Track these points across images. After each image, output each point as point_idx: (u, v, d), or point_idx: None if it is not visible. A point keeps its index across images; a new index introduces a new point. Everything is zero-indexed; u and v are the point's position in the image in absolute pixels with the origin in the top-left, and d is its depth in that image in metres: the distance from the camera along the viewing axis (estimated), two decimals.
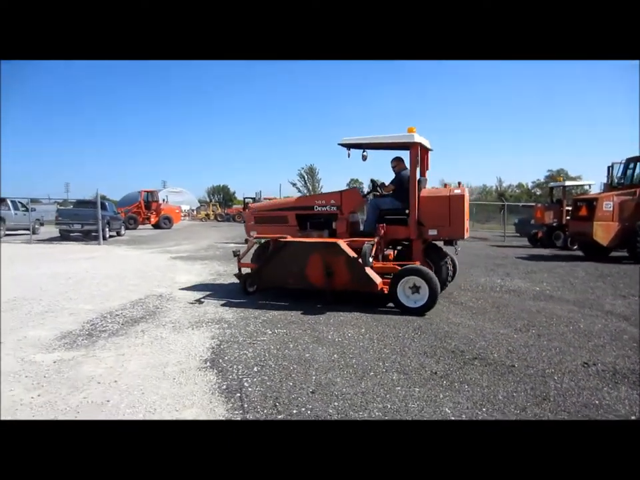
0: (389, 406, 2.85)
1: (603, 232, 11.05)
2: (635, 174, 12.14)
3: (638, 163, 12.12)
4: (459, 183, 6.66)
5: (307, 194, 44.34)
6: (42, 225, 21.57)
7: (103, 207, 17.19)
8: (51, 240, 17.26)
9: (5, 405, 2.91)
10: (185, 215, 40.75)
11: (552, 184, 17.78)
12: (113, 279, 8.02)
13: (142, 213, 26.96)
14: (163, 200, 30.66)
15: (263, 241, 6.58)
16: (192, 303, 5.96)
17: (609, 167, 12.83)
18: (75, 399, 3.02)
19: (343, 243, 5.69)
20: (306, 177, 59.05)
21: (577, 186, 18.96)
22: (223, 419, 2.68)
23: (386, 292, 5.57)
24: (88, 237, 17.28)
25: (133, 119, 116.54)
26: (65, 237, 17.63)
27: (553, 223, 15.48)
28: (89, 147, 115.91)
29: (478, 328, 4.74)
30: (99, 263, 10.61)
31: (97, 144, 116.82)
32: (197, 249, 14.12)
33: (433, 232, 6.22)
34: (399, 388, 3.14)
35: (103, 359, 3.78)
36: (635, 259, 10.75)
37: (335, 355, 3.81)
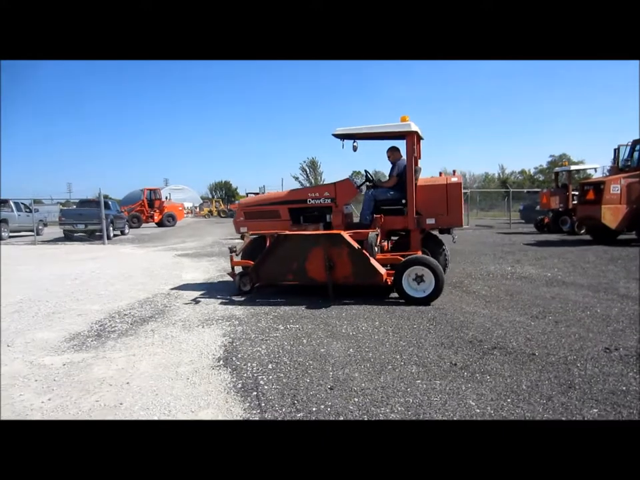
0: (411, 400, 2.77)
1: (612, 215, 10.91)
2: None
3: None
4: (454, 171, 6.56)
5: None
6: (45, 225, 21.57)
7: (107, 206, 17.15)
8: (55, 241, 17.24)
9: (16, 410, 2.84)
10: (188, 212, 40.70)
11: (557, 169, 17.60)
12: (119, 279, 7.95)
13: (145, 212, 26.94)
14: (166, 198, 30.62)
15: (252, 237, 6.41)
16: (201, 301, 5.88)
17: (615, 150, 12.67)
18: (86, 402, 2.94)
19: (346, 234, 5.55)
20: (308, 170, 58.82)
21: (582, 170, 18.73)
22: (223, 419, 2.59)
23: (389, 283, 5.47)
24: (92, 236, 17.25)
25: (132, 117, 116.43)
26: (69, 237, 17.60)
27: (560, 208, 15.34)
28: (90, 146, 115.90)
29: (493, 316, 4.64)
30: (104, 262, 10.55)
31: (97, 143, 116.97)
32: (202, 245, 14.05)
33: (431, 221, 6.16)
34: (419, 381, 3.05)
35: (113, 360, 3.71)
36: None
37: (351, 350, 3.72)
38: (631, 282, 6.34)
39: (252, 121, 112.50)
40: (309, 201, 6.49)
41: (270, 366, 3.43)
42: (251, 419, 2.60)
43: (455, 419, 2.54)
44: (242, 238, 6.59)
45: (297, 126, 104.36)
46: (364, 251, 5.45)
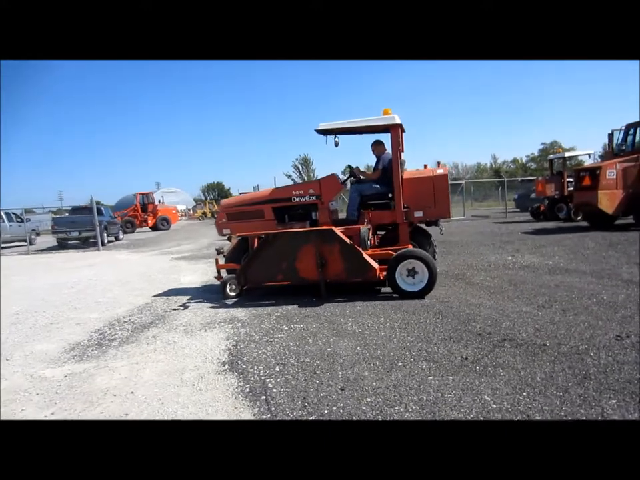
0: (425, 398, 2.70)
1: (608, 200, 10.90)
2: (636, 140, 11.96)
3: (638, 129, 11.93)
4: (439, 163, 6.50)
5: None
6: (38, 234, 21.37)
7: (99, 212, 16.99)
8: (49, 249, 17.07)
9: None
10: (182, 215, 40.45)
11: (551, 156, 17.57)
12: (116, 285, 7.85)
13: (139, 216, 26.75)
14: (159, 201, 30.42)
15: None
16: (201, 304, 5.79)
17: (609, 134, 12.64)
18: (91, 414, 2.85)
19: (337, 230, 5.45)
20: (300, 167, 58.52)
21: (575, 156, 18.74)
22: (224, 419, 2.51)
23: (382, 278, 5.40)
24: (86, 243, 17.10)
25: (121, 120, 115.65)
26: (62, 245, 17.43)
27: (555, 195, 15.34)
28: (79, 153, 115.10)
29: (499, 308, 4.58)
30: (100, 269, 10.43)
31: (86, 148, 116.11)
32: (199, 248, 13.93)
33: (418, 214, 6.10)
34: (431, 377, 2.98)
35: (116, 369, 3.62)
36: None
37: (358, 348, 3.64)
38: (633, 267, 6.30)
39: (242, 121, 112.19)
40: (294, 199, 6.31)
41: (277, 368, 3.35)
42: (251, 419, 2.51)
43: (470, 417, 2.47)
44: (229, 240, 6.45)
45: (288, 124, 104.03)
46: (357, 247, 5.37)
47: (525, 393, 2.68)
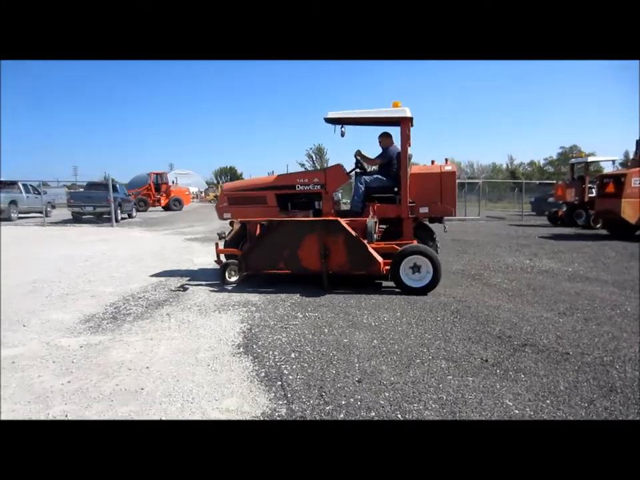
0: (445, 397, 2.64)
1: (632, 209, 10.65)
2: None
3: None
4: (446, 160, 6.37)
5: None
6: (54, 207, 21.54)
7: (114, 189, 17.04)
8: (63, 222, 17.19)
9: (35, 392, 2.76)
10: (193, 197, 40.55)
11: (573, 160, 17.24)
12: (130, 261, 7.87)
13: (152, 195, 26.79)
14: (172, 182, 30.42)
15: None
16: (214, 286, 5.77)
17: (637, 141, 12.36)
18: (106, 385, 2.85)
19: (343, 221, 5.37)
20: (314, 157, 58.30)
21: (598, 162, 18.36)
22: (224, 419, 2.44)
23: (385, 272, 5.33)
24: (100, 219, 17.18)
25: (137, 101, 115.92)
26: (77, 219, 17.54)
27: (575, 200, 15.05)
28: (95, 131, 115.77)
29: (519, 311, 4.50)
30: (114, 245, 10.48)
31: (103, 127, 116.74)
32: (211, 230, 13.92)
33: (424, 210, 5.99)
34: (450, 377, 2.93)
35: (131, 343, 3.61)
36: None
37: (375, 341, 3.60)
38: None
39: (258, 108, 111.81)
40: (298, 187, 6.19)
41: (293, 355, 3.31)
42: (251, 419, 2.44)
43: (493, 418, 2.42)
44: (231, 225, 6.37)
45: (303, 113, 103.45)
46: (362, 239, 5.30)
47: (548, 401, 2.61)
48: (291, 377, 2.94)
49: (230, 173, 71.58)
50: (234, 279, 5.82)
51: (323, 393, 2.70)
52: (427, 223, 6.53)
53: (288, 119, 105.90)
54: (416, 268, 5.22)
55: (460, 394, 2.69)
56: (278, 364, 3.15)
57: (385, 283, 5.79)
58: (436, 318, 4.25)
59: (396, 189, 6.06)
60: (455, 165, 6.13)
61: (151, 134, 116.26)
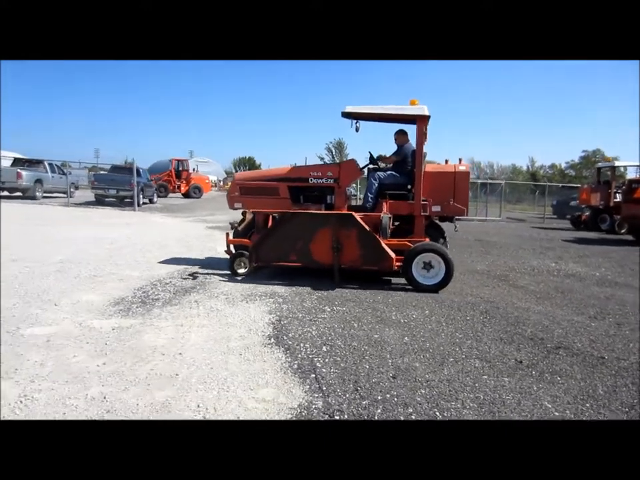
0: (482, 397, 2.62)
1: None
2: None
3: None
4: (460, 160, 6.27)
5: None
6: (77, 188, 21.81)
7: (138, 174, 17.18)
8: (87, 204, 17.43)
9: (72, 372, 2.80)
10: (213, 186, 40.73)
11: (600, 164, 16.92)
12: (155, 246, 7.95)
13: (172, 182, 26.94)
14: (193, 169, 30.57)
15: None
16: (239, 275, 5.79)
17: None
18: (142, 369, 2.88)
19: (358, 216, 5.33)
20: (334, 151, 58.15)
21: (625, 166, 17.98)
22: (225, 419, 2.39)
23: (397, 269, 5.29)
24: (122, 202, 17.36)
25: (158, 88, 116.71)
26: (100, 201, 17.76)
27: (600, 205, 14.77)
28: (116, 113, 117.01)
29: (549, 314, 4.44)
30: (137, 229, 10.59)
31: (125, 110, 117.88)
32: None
33: (436, 208, 5.92)
34: (485, 377, 2.90)
35: (162, 328, 3.65)
36: None
37: (406, 338, 3.57)
38: None
39: (278, 99, 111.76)
40: (311, 180, 6.10)
41: (324, 348, 3.31)
42: (251, 419, 2.41)
43: (530, 417, 2.39)
44: (243, 215, 6.29)
45: (325, 104, 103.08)
46: (375, 235, 5.27)
47: (587, 404, 2.57)
48: (324, 370, 2.93)
49: (249, 163, 71.68)
50: (243, 270, 5.77)
51: (358, 388, 2.69)
52: (437, 221, 6.48)
53: (309, 112, 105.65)
54: (428, 265, 5.21)
55: (497, 394, 2.66)
56: (310, 356, 3.15)
57: (394, 280, 5.79)
58: (465, 317, 4.21)
59: (409, 187, 6.01)
60: (469, 165, 6.07)
61: (171, 120, 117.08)
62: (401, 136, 6.29)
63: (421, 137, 5.81)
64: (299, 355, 3.18)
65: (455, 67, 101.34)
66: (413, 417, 2.40)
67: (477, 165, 64.10)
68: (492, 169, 61.97)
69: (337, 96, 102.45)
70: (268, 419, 2.37)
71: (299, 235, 5.38)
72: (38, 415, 2.32)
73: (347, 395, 2.60)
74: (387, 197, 6.00)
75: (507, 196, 32.50)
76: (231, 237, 6.08)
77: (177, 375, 2.82)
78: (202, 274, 5.77)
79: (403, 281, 5.45)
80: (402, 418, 2.39)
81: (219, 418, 2.35)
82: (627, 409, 2.53)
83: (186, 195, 27.04)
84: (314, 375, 2.86)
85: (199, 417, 2.35)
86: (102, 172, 20.89)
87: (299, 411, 2.43)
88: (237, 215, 6.88)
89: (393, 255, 5.25)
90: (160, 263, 6.46)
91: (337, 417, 2.37)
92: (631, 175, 16.06)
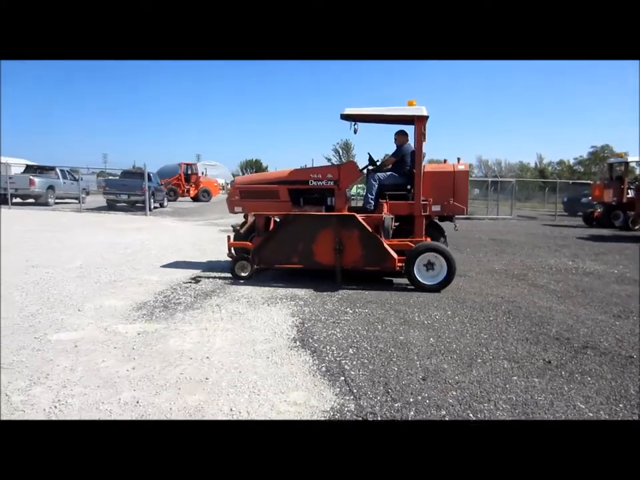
0: (514, 398, 2.60)
1: None
2: None
3: None
4: (458, 159, 6.23)
5: None
6: (88, 194, 21.96)
7: (149, 179, 17.27)
8: (98, 209, 17.56)
9: (103, 377, 2.83)
10: (221, 189, 40.85)
11: (612, 160, 16.75)
12: (169, 251, 7.99)
13: (182, 185, 27.06)
14: (202, 173, 30.68)
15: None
16: (257, 278, 5.80)
17: None
18: (171, 374, 2.90)
19: (359, 217, 5.33)
20: (341, 152, 58.14)
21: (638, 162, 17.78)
22: (226, 419, 2.40)
23: (399, 269, 5.29)
24: (134, 207, 17.47)
25: (163, 92, 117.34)
26: (111, 206, 17.88)
27: (613, 201, 14.64)
28: (124, 118, 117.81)
29: (572, 313, 4.40)
30: (150, 234, 10.65)
31: (131, 115, 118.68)
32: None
33: (436, 208, 5.92)
34: (515, 378, 2.88)
35: (186, 332, 3.67)
36: None
37: (432, 339, 3.57)
38: None
39: (283, 100, 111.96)
40: (311, 182, 6.07)
41: (351, 351, 3.31)
42: (251, 419, 2.42)
43: (564, 418, 2.38)
44: (245, 218, 6.27)
45: (334, 108, 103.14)
46: (377, 235, 5.27)
47: (621, 405, 2.55)
48: (353, 373, 2.93)
49: (255, 166, 71.87)
50: (245, 273, 5.74)
51: (389, 390, 2.69)
52: (437, 221, 6.46)
53: (316, 113, 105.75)
54: (430, 265, 5.22)
55: (529, 395, 2.64)
56: (337, 359, 3.15)
57: (395, 280, 5.80)
58: (488, 317, 4.19)
59: (409, 187, 6.00)
60: (468, 164, 6.05)
61: (177, 123, 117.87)
62: (400, 136, 6.30)
63: (420, 137, 5.80)
64: (326, 358, 3.18)
65: (458, 67, 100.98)
66: (447, 419, 2.40)
67: (484, 163, 63.88)
68: (500, 167, 61.69)
69: (344, 97, 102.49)
70: (269, 419, 2.38)
71: (300, 237, 5.40)
72: (75, 419, 2.34)
73: (379, 398, 2.60)
74: (386, 198, 5.99)
75: (516, 194, 32.39)
76: (232, 240, 6.08)
77: (206, 378, 2.84)
78: (222, 278, 5.79)
79: (404, 281, 5.46)
80: (432, 418, 2.38)
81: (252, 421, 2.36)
82: None
83: (195, 199, 27.14)
84: (343, 378, 2.86)
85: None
86: (112, 177, 21.02)
87: (331, 414, 2.43)
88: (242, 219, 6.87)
89: (395, 255, 5.26)
90: (177, 267, 6.49)
91: (371, 419, 2.37)
92: None
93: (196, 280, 5.60)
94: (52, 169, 18.71)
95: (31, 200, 17.70)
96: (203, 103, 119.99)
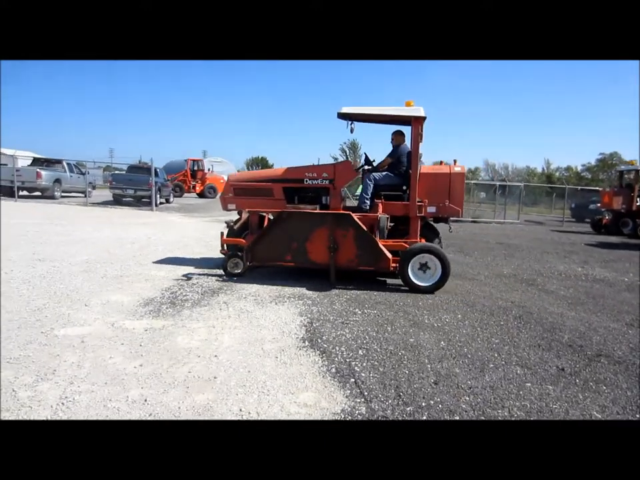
0: (528, 405, 2.55)
1: None
2: None
3: None
4: (455, 161, 6.16)
5: None
6: (94, 188, 21.99)
7: (155, 174, 17.25)
8: (104, 203, 17.57)
9: (110, 373, 2.79)
10: None
11: (622, 167, 16.64)
12: (176, 246, 7.97)
13: (188, 182, 27.06)
14: (208, 169, 30.67)
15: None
16: (263, 276, 5.77)
17: None
18: (179, 372, 2.86)
19: (355, 216, 5.28)
20: (348, 151, 58.00)
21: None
22: (228, 419, 2.37)
23: (393, 270, 5.24)
24: (140, 202, 17.46)
25: (170, 87, 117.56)
26: (118, 201, 17.86)
27: (622, 209, 14.52)
28: (129, 113, 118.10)
29: (584, 320, 4.34)
30: (156, 229, 10.64)
31: (136, 110, 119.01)
32: None
33: (431, 209, 5.86)
34: (529, 384, 2.83)
35: (194, 330, 3.63)
36: None
37: (442, 342, 3.51)
38: None
39: (290, 99, 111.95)
40: (306, 181, 6.03)
41: (360, 352, 3.27)
42: (251, 419, 2.39)
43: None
44: (239, 214, 6.20)
45: (336, 105, 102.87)
46: (372, 235, 5.24)
47: (638, 415, 2.49)
48: (363, 375, 2.89)
49: (261, 164, 71.82)
50: (237, 270, 5.67)
51: (401, 393, 2.64)
52: (432, 222, 6.40)
53: (322, 112, 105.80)
54: (424, 266, 5.19)
55: (543, 402, 2.59)
56: (347, 360, 3.11)
57: (389, 281, 5.76)
58: (499, 322, 4.13)
59: (405, 187, 5.94)
60: (464, 167, 5.98)
61: (185, 119, 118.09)
62: (397, 136, 6.23)
63: (417, 137, 5.74)
64: (336, 359, 3.14)
65: (464, 70, 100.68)
66: (447, 419, 2.35)
67: (491, 167, 63.60)
68: (507, 171, 61.41)
69: (353, 97, 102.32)
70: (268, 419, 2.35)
71: (295, 235, 5.36)
72: (80, 417, 2.31)
73: (390, 401, 2.55)
74: (382, 198, 5.92)
75: (523, 198, 32.21)
76: (225, 237, 6.00)
77: (215, 377, 2.80)
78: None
79: (398, 281, 5.43)
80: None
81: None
82: None
83: (201, 195, 27.13)
84: (353, 380, 2.82)
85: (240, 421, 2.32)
86: (118, 172, 21.01)
87: (342, 416, 2.39)
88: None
89: (389, 255, 5.22)
90: (183, 263, 6.46)
91: (371, 419, 2.33)
92: None
93: (203, 276, 5.57)
94: (59, 162, 18.73)
95: (38, 193, 17.73)
96: (210, 99, 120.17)
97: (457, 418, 2.40)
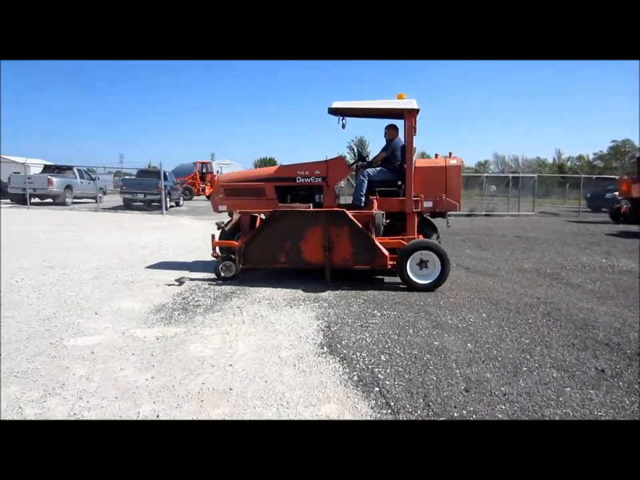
0: (571, 413, 2.35)
1: None
2: None
3: None
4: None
5: None
6: (105, 193, 22.08)
7: (165, 178, 17.22)
8: (115, 208, 17.58)
9: (121, 387, 2.65)
10: None
11: (639, 154, 16.17)
12: (187, 250, 7.86)
13: (197, 184, 27.06)
14: (217, 172, 30.66)
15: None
16: (276, 279, 5.60)
17: None
18: (193, 384, 2.71)
19: (349, 213, 5.09)
20: (355, 149, 57.67)
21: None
22: (225, 419, 2.27)
23: (390, 267, 5.06)
24: (150, 206, 17.44)
25: (178, 89, 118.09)
26: (128, 205, 17.87)
27: None
28: (137, 117, 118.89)
29: (617, 315, 4.10)
30: (167, 233, 10.56)
31: (146, 114, 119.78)
32: None
33: (428, 204, 5.65)
34: (568, 389, 2.62)
35: (207, 337, 3.48)
36: None
37: (469, 345, 3.31)
38: None
39: (290, 99, 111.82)
40: (298, 179, 5.86)
41: (383, 357, 3.08)
42: (251, 419, 2.26)
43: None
44: (230, 215, 6.02)
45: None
46: (368, 232, 5.06)
47: None
48: (388, 383, 2.70)
49: (269, 165, 71.83)
50: (230, 274, 5.46)
51: (430, 403, 2.45)
52: (429, 217, 6.21)
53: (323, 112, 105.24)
54: (423, 264, 5.01)
55: (587, 409, 2.39)
56: (370, 367, 2.93)
57: (386, 279, 5.59)
58: (527, 320, 3.92)
59: (400, 183, 5.74)
60: (460, 159, 5.76)
61: (192, 122, 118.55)
62: (391, 130, 6.04)
63: (410, 131, 5.53)
64: (357, 366, 2.96)
65: (471, 64, 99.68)
66: (447, 419, 2.16)
67: (501, 159, 62.88)
68: (517, 162, 60.67)
69: (350, 96, 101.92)
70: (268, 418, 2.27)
71: (288, 235, 5.18)
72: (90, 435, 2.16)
73: (419, 412, 2.37)
74: (377, 194, 5.71)
75: (535, 189, 31.68)
76: (217, 239, 5.79)
77: (230, 389, 2.64)
78: (238, 278, 5.59)
79: (397, 279, 5.25)
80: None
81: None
82: None
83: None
84: (378, 389, 2.63)
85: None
86: (128, 177, 21.04)
87: (262, 419, 2.25)
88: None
89: (386, 252, 5.04)
90: (195, 266, 6.33)
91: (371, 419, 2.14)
92: None
93: (215, 280, 5.42)
94: (69, 168, 18.81)
95: (49, 200, 17.80)
96: (217, 102, 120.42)
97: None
